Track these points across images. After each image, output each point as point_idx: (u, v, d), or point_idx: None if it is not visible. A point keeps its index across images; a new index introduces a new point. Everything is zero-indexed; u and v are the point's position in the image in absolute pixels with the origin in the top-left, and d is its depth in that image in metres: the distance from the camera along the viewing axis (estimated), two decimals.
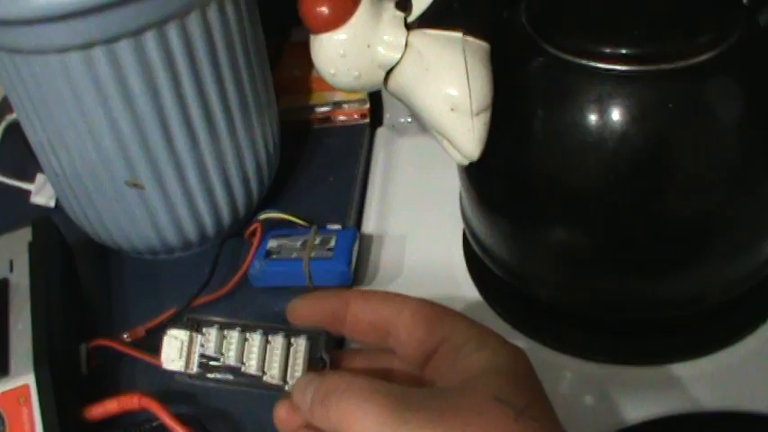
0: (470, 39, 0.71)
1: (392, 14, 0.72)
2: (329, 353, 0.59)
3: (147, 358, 0.74)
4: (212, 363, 0.60)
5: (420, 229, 0.93)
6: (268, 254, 0.86)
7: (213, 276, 0.87)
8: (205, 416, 0.75)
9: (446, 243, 0.90)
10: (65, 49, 0.74)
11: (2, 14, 0.72)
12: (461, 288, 0.85)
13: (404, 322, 0.56)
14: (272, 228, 0.90)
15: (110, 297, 0.91)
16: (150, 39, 0.75)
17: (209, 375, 0.60)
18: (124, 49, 0.75)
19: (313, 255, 0.84)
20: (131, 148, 0.81)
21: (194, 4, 0.77)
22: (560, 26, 0.71)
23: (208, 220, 0.89)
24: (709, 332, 0.77)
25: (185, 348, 0.61)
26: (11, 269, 0.81)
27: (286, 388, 0.59)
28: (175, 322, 0.76)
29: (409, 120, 1.08)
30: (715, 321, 0.78)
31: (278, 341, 0.59)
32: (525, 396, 0.50)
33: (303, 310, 0.61)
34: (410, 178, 1.00)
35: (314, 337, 0.59)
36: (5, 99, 1.22)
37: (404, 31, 0.71)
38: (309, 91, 1.08)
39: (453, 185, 0.87)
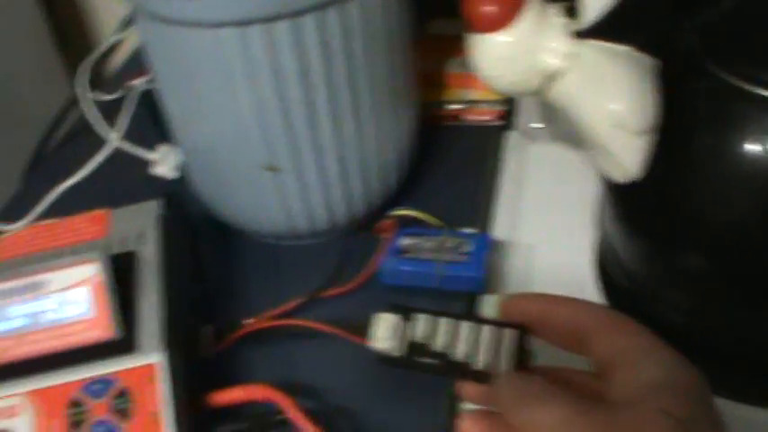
0: (640, 54, 0.69)
1: (559, 22, 0.70)
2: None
3: (349, 336, 0.69)
4: (420, 347, 0.63)
5: (550, 239, 0.90)
6: (400, 252, 0.84)
7: (342, 269, 0.85)
8: (329, 412, 0.74)
9: (576, 255, 0.88)
10: (221, 25, 0.73)
11: None
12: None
13: (592, 330, 0.58)
14: (405, 225, 0.88)
15: (230, 280, 0.89)
16: (308, 22, 0.74)
17: (417, 358, 0.63)
18: (281, 29, 0.73)
19: (446, 258, 0.82)
20: (274, 129, 0.79)
21: None
22: (731, 50, 0.68)
23: (341, 210, 0.88)
24: None
25: (395, 330, 0.63)
26: (139, 242, 0.79)
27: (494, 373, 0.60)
28: (299, 312, 0.76)
29: (540, 126, 1.05)
30: None
31: (486, 331, 0.62)
32: (691, 411, 0.51)
33: (511, 307, 0.63)
34: (541, 186, 0.98)
35: (522, 330, 0.62)
36: (126, 68, 1.22)
37: (570, 39, 0.69)
38: (443, 87, 1.06)
39: (584, 198, 0.87)
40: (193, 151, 0.86)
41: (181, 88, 0.81)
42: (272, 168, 0.81)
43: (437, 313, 0.64)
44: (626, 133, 0.68)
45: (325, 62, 0.77)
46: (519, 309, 0.62)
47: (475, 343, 0.62)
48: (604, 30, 0.69)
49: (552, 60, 0.70)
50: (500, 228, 0.92)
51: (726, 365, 0.74)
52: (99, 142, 1.04)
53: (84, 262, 0.73)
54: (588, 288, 0.84)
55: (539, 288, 0.82)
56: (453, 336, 0.62)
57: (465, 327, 0.62)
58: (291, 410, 0.69)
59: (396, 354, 0.63)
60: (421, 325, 0.63)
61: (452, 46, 1.09)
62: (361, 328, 0.65)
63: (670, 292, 0.75)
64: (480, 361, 0.61)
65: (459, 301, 0.83)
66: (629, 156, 0.69)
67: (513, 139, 1.04)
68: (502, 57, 0.71)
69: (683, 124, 0.69)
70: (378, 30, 0.79)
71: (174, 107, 0.84)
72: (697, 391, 0.53)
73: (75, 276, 0.73)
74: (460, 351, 0.62)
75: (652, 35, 0.70)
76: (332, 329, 0.74)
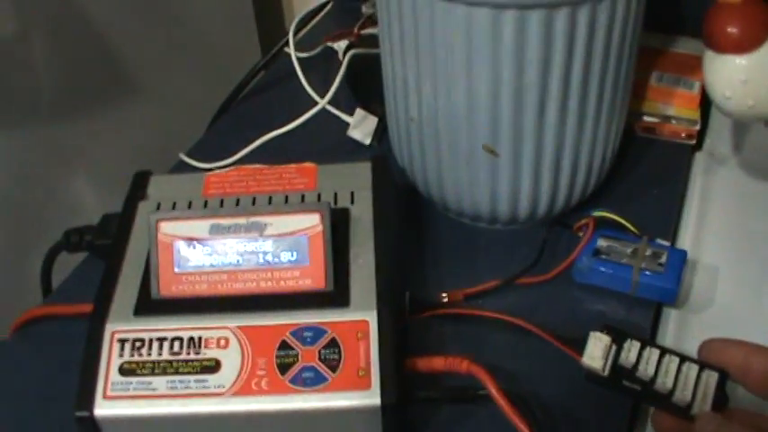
0: None
1: None
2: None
3: (564, 348, 0.73)
4: (626, 371, 0.66)
5: (733, 263, 0.91)
6: (596, 252, 0.85)
7: (540, 259, 0.87)
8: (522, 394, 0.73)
9: (759, 282, 0.88)
10: (475, 4, 0.74)
11: None
12: None
13: None
14: (602, 227, 0.89)
15: (424, 253, 0.91)
16: (561, 15, 0.75)
17: (621, 381, 0.66)
18: (534, 18, 0.74)
19: (644, 266, 0.83)
20: (503, 111, 0.80)
21: None
22: None
23: (543, 201, 0.89)
24: None
25: (606, 352, 0.67)
26: (352, 201, 0.81)
27: (691, 413, 0.63)
28: (491, 295, 0.79)
29: (729, 150, 1.06)
30: None
31: (692, 369, 0.64)
32: None
33: (713, 350, 0.65)
34: (726, 210, 0.98)
35: (723, 373, 0.64)
36: (320, 28, 1.24)
37: None
38: (642, 98, 1.06)
39: None
40: (411, 121, 0.87)
41: (414, 57, 0.82)
42: (491, 151, 0.82)
43: (647, 342, 0.66)
44: None
45: (566, 57, 0.78)
46: (718, 353, 0.64)
47: (678, 378, 0.64)
48: None
49: None
50: (685, 244, 0.93)
51: None
52: (298, 99, 1.06)
53: (306, 211, 0.75)
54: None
55: (720, 314, 0.84)
56: (659, 367, 0.65)
57: (672, 360, 0.65)
58: (492, 387, 0.70)
59: (603, 374, 0.66)
60: (631, 350, 0.66)
61: (655, 58, 1.10)
62: (573, 341, 0.69)
63: None
64: (681, 396, 0.63)
65: (647, 310, 0.84)
66: None
67: (700, 160, 1.05)
68: (740, 80, 0.72)
69: None
70: (618, 33, 0.80)
71: (400, 75, 0.85)
72: None
73: (297, 224, 0.75)
74: (664, 383, 0.64)
75: None
76: (546, 336, 0.76)
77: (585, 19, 0.76)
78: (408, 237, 0.93)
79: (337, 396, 0.68)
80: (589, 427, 0.75)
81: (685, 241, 0.93)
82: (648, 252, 0.84)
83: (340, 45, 1.14)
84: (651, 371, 0.65)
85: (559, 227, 0.91)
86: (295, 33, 1.14)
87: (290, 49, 1.10)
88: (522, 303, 0.83)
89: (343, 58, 1.08)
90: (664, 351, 0.66)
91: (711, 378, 0.64)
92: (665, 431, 0.65)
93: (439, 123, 0.84)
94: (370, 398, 0.68)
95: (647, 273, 0.83)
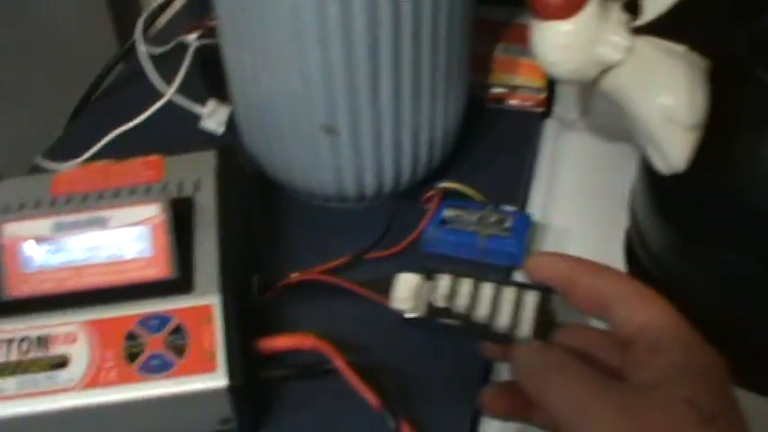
0: (693, 55, 0.72)
1: (619, 16, 0.73)
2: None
3: (372, 295, 0.73)
4: (441, 308, 0.64)
5: (582, 225, 0.93)
6: (443, 222, 0.87)
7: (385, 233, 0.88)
8: (367, 366, 0.74)
9: (607, 243, 0.90)
10: None
11: None
12: None
13: (615, 299, 0.58)
14: (448, 197, 0.91)
15: (275, 235, 0.92)
16: None
17: (437, 319, 0.64)
18: None
19: (489, 231, 0.85)
20: (338, 91, 0.81)
21: None
22: None
23: (388, 177, 0.90)
24: None
25: (415, 291, 0.65)
26: (196, 189, 0.82)
27: (514, 336, 0.61)
28: (342, 272, 0.79)
29: (577, 116, 1.08)
30: None
31: (509, 293, 0.63)
32: (716, 402, 0.51)
33: (537, 265, 0.63)
34: (575, 174, 1.00)
35: (544, 292, 0.62)
36: (175, 23, 1.24)
37: (630, 34, 0.72)
38: (489, 70, 1.08)
39: (618, 187, 0.89)
40: (251, 107, 0.88)
41: (249, 43, 0.83)
42: (330, 130, 0.84)
43: (459, 274, 0.65)
44: (675, 127, 0.70)
45: (394, 32, 0.79)
46: (545, 268, 0.63)
47: (496, 305, 0.63)
48: (662, 28, 0.72)
49: (611, 53, 0.72)
50: (535, 209, 0.95)
51: (752, 357, 0.76)
52: (151, 93, 1.06)
53: (146, 202, 0.76)
54: None
55: None
56: (475, 297, 0.64)
57: (487, 288, 0.64)
58: (338, 361, 0.71)
59: (415, 314, 0.65)
60: (443, 286, 0.65)
61: (500, 31, 1.12)
62: (388, 288, 0.67)
63: (695, 282, 0.77)
64: (501, 323, 0.62)
65: (497, 275, 0.84)
66: (676, 149, 0.71)
67: (550, 127, 1.07)
68: (563, 45, 0.73)
69: (728, 124, 0.72)
70: (446, 5, 0.82)
71: (238, 62, 0.86)
72: (718, 377, 0.53)
73: (137, 215, 0.75)
74: (481, 313, 0.63)
75: (706, 38, 0.73)
76: (359, 289, 0.77)
77: None
78: (261, 221, 0.94)
79: (185, 380, 0.69)
80: (442, 390, 0.76)
81: (536, 206, 0.96)
82: (494, 218, 0.87)
83: (192, 38, 1.14)
84: (466, 302, 0.64)
85: (408, 200, 0.92)
86: (148, 27, 1.14)
87: (139, 44, 1.10)
88: (373, 277, 0.84)
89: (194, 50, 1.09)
90: (480, 279, 0.65)
91: (531, 298, 0.63)
92: (497, 359, 0.66)
93: (278, 107, 0.85)
94: (217, 380, 0.69)
95: (493, 238, 0.85)
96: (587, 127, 1.07)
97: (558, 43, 0.73)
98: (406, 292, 0.66)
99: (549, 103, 1.09)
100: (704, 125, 0.71)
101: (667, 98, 0.70)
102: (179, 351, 0.70)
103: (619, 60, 0.72)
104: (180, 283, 0.74)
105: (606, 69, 0.73)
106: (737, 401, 0.53)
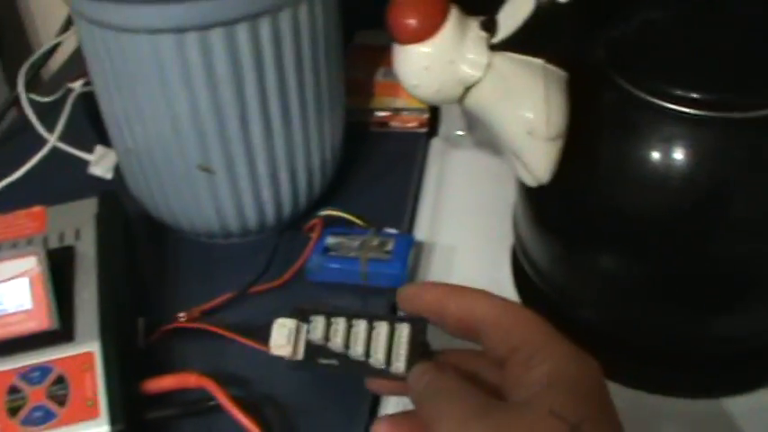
0: (551, 67, 0.73)
1: (477, 34, 0.74)
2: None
3: (252, 344, 0.77)
4: (319, 349, 0.64)
5: (469, 241, 0.95)
6: (326, 250, 0.88)
7: (270, 266, 0.89)
8: (256, 400, 0.77)
9: (494, 257, 0.92)
10: (157, 31, 0.77)
11: None
12: None
13: (487, 322, 0.59)
14: (331, 225, 0.92)
15: (163, 276, 0.93)
16: (242, 30, 0.77)
17: (316, 360, 0.64)
18: (216, 37, 0.77)
19: (370, 255, 0.86)
20: (208, 131, 0.83)
21: (287, 2, 0.79)
22: (636, 64, 0.73)
23: (269, 210, 0.91)
24: (746, 371, 0.80)
25: (293, 336, 0.65)
26: (77, 237, 0.83)
27: (390, 370, 0.62)
28: (229, 307, 0.79)
29: (463, 133, 1.10)
30: (754, 361, 0.80)
31: (382, 327, 0.63)
32: (582, 410, 0.51)
33: (407, 297, 0.64)
34: (462, 191, 1.02)
35: (416, 324, 0.63)
36: (66, 69, 1.24)
37: (488, 51, 0.73)
38: (370, 94, 1.10)
39: (503, 202, 0.91)
40: (128, 152, 0.88)
41: (118, 91, 0.83)
42: (206, 169, 0.85)
43: (333, 314, 0.65)
44: (536, 140, 0.71)
45: (257, 69, 0.81)
46: (414, 299, 0.63)
47: (371, 340, 0.64)
48: (518, 43, 0.73)
49: (470, 71, 0.73)
50: (422, 230, 0.97)
51: (631, 357, 0.78)
52: (38, 143, 1.07)
53: (23, 255, 0.76)
54: (506, 288, 0.88)
55: None
56: (350, 335, 0.64)
57: (360, 325, 0.64)
58: (221, 397, 0.72)
59: (295, 358, 0.65)
60: (319, 327, 0.65)
61: (380, 55, 1.13)
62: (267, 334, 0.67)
63: (577, 290, 0.79)
64: (377, 358, 0.63)
65: (382, 297, 0.86)
66: (538, 161, 0.72)
67: (436, 146, 1.09)
68: (424, 67, 0.74)
69: (590, 132, 0.74)
70: (307, 39, 0.83)
71: (111, 109, 0.87)
72: (590, 385, 0.54)
73: (15, 269, 0.76)
74: (358, 350, 0.63)
75: (563, 48, 0.74)
76: (239, 338, 0.79)
77: (268, 31, 0.79)
78: (148, 262, 0.94)
79: (68, 429, 0.70)
80: (329, 421, 0.77)
81: (423, 225, 0.97)
82: (375, 242, 0.88)
83: (78, 85, 1.14)
84: (341, 341, 0.64)
85: (293, 231, 0.93)
86: (34, 75, 1.14)
87: (21, 92, 1.10)
88: (261, 311, 0.85)
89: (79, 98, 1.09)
90: (350, 317, 0.65)
91: (404, 330, 0.63)
92: (387, 393, 0.66)
93: (153, 150, 0.86)
94: (100, 426, 0.70)
95: (374, 261, 0.86)
96: (474, 143, 1.08)
97: (418, 66, 0.74)
98: (283, 338, 0.65)
99: (433, 122, 1.10)
100: (565, 136, 0.72)
101: (527, 111, 0.71)
102: (61, 401, 0.70)
103: (479, 78, 0.73)
104: (60, 333, 0.74)
105: (469, 87, 0.74)
106: (611, 405, 0.54)
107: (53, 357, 0.73)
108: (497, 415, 0.53)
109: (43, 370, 0.72)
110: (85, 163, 1.07)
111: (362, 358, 0.63)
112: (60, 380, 0.71)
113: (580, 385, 0.53)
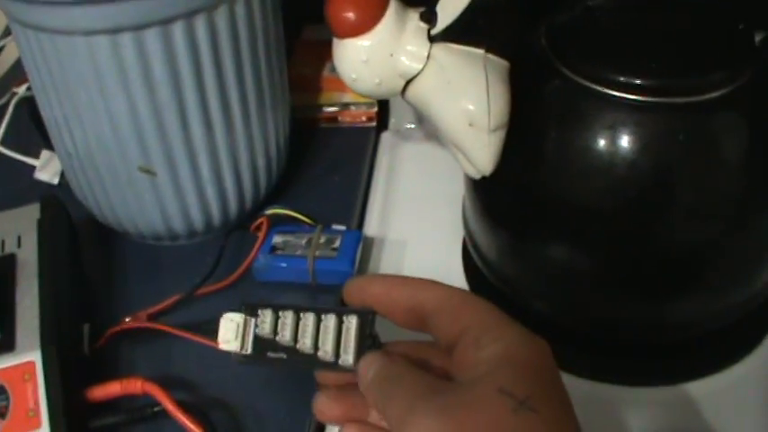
0: (492, 56, 0.72)
1: (417, 26, 0.73)
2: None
3: (200, 339, 0.77)
4: (267, 343, 0.63)
5: (420, 235, 0.94)
6: (273, 249, 0.87)
7: (217, 267, 0.88)
8: (205, 403, 0.76)
9: (445, 250, 0.92)
10: (92, 32, 0.75)
11: None
12: None
13: (434, 309, 0.58)
14: (278, 223, 0.91)
15: (111, 279, 0.92)
16: (178, 29, 0.77)
17: (265, 355, 0.63)
18: (151, 36, 0.76)
19: (318, 254, 0.86)
20: (148, 133, 0.82)
21: None
22: (579, 51, 0.73)
23: (215, 211, 0.90)
24: (701, 356, 0.79)
25: (240, 330, 0.64)
26: (18, 245, 0.82)
27: (339, 363, 0.61)
28: (177, 309, 0.78)
29: (413, 126, 1.09)
30: (708, 346, 0.80)
31: (330, 320, 0.62)
32: (530, 387, 0.51)
33: (354, 290, 0.63)
34: (413, 184, 1.02)
35: (364, 316, 0.62)
36: (12, 74, 1.23)
37: (427, 42, 0.73)
38: (318, 90, 1.09)
39: (455, 194, 0.90)
40: (70, 156, 0.87)
41: (56, 95, 0.82)
42: (148, 171, 0.84)
43: (281, 307, 0.64)
44: (478, 131, 0.71)
45: (195, 68, 0.80)
46: (361, 292, 0.63)
47: (319, 333, 0.63)
48: (458, 33, 0.72)
49: (410, 63, 0.73)
50: (372, 225, 0.96)
51: (584, 347, 0.78)
52: None
53: None
54: (457, 281, 0.88)
55: None
56: (298, 328, 0.63)
57: (309, 318, 0.63)
58: (166, 402, 0.71)
59: (243, 353, 0.64)
60: (267, 321, 0.64)
61: (328, 50, 1.11)
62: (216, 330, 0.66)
63: (527, 282, 0.79)
64: (326, 350, 0.62)
65: (331, 295, 0.86)
66: (480, 153, 0.72)
67: (386, 140, 1.08)
68: (363, 60, 0.74)
69: (534, 122, 0.73)
70: (246, 37, 0.83)
71: (50, 113, 0.86)
72: (539, 365, 0.54)
73: None
74: (307, 343, 0.62)
75: (504, 38, 0.74)
76: (187, 334, 0.79)
77: (204, 29, 0.78)
78: (95, 266, 0.93)
79: None
80: (277, 421, 0.76)
81: (373, 220, 0.96)
82: (323, 239, 0.87)
83: (22, 89, 1.13)
84: (289, 335, 0.63)
85: (240, 231, 0.93)
86: None
87: None
88: (209, 312, 0.83)
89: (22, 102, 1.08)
90: (298, 310, 0.64)
91: (353, 322, 0.62)
92: (320, 411, 0.64)
93: (93, 154, 0.85)
94: None
95: (322, 260, 0.85)
96: (424, 136, 1.08)
97: (357, 59, 0.74)
98: (231, 333, 0.64)
99: (382, 116, 1.09)
100: (507, 126, 0.72)
101: (467, 102, 0.71)
102: (1, 413, 0.69)
103: (419, 69, 0.73)
104: (2, 342, 0.73)
105: (410, 80, 0.74)
106: (560, 385, 0.54)
107: None
108: (446, 394, 0.52)
109: None
110: (32, 168, 1.06)
111: (311, 351, 0.62)
112: (1, 391, 0.70)
113: (529, 364, 0.53)
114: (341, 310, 0.63)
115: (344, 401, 0.63)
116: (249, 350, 0.64)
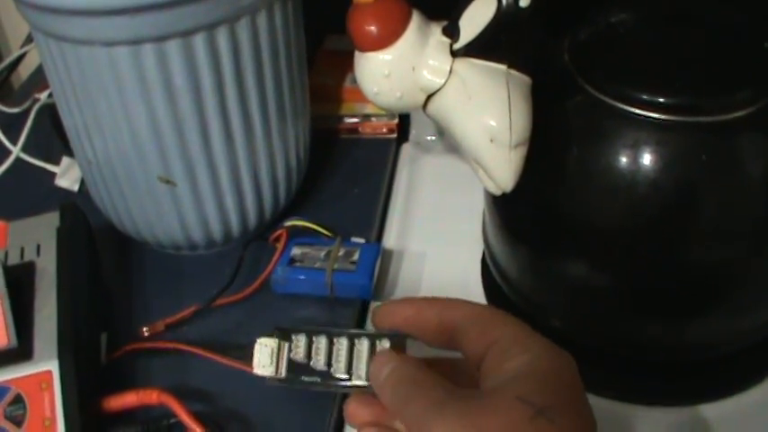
0: (514, 72, 0.72)
1: (439, 40, 0.73)
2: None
3: (233, 363, 0.76)
4: (302, 367, 0.65)
5: (440, 247, 0.94)
6: (291, 261, 0.87)
7: (235, 278, 0.88)
8: (220, 415, 0.76)
9: (464, 264, 0.91)
10: (113, 43, 0.75)
11: (53, 4, 0.74)
12: None
13: (464, 325, 0.59)
14: (297, 235, 0.91)
15: (129, 288, 0.92)
16: (199, 40, 0.76)
17: (299, 378, 0.65)
18: (173, 48, 0.76)
19: (336, 266, 0.85)
20: (168, 143, 0.82)
21: (245, 10, 0.78)
22: (603, 69, 0.72)
23: (234, 221, 0.90)
24: (719, 377, 0.79)
25: (275, 355, 0.65)
26: (38, 253, 0.81)
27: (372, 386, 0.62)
28: (194, 320, 0.78)
29: (434, 138, 1.09)
30: (727, 367, 0.79)
31: (363, 344, 0.63)
32: (549, 398, 0.52)
33: (384, 314, 0.64)
34: (432, 197, 1.01)
35: (395, 339, 0.63)
36: (34, 80, 1.23)
37: (449, 57, 0.72)
38: (339, 100, 1.09)
39: (475, 207, 0.89)
40: (91, 164, 0.87)
41: (77, 103, 0.82)
42: (168, 181, 0.84)
43: (316, 332, 0.65)
44: (499, 147, 0.70)
45: (216, 79, 0.79)
46: (392, 315, 0.64)
47: (353, 357, 0.64)
48: (480, 48, 0.72)
49: (432, 77, 0.72)
50: (392, 237, 0.96)
51: (602, 366, 0.77)
52: (1, 154, 1.06)
53: None
54: (476, 295, 0.88)
55: (428, 294, 0.86)
56: (332, 353, 0.64)
57: (342, 343, 0.64)
58: (182, 413, 0.71)
59: (278, 377, 0.65)
60: (301, 346, 0.65)
61: (349, 61, 1.11)
62: (247, 352, 0.67)
63: (546, 299, 0.79)
64: (359, 375, 0.63)
65: (349, 308, 0.86)
66: (501, 169, 0.71)
67: (406, 152, 1.08)
68: (385, 74, 0.73)
69: (556, 139, 0.73)
70: (267, 48, 0.82)
71: (71, 121, 0.86)
72: (563, 378, 0.54)
73: None
74: (340, 367, 0.64)
75: (526, 54, 0.73)
76: (217, 357, 0.78)
77: (226, 41, 0.78)
78: (113, 275, 0.93)
79: None
80: (293, 430, 0.77)
81: (393, 233, 0.96)
82: (342, 252, 0.87)
83: (43, 96, 1.13)
84: (323, 359, 0.64)
85: (259, 242, 0.92)
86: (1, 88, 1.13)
87: None
88: (226, 323, 0.84)
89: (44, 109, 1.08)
90: (331, 335, 0.65)
91: (384, 347, 0.63)
92: (350, 415, 0.65)
93: (113, 162, 0.85)
94: None
95: (340, 272, 0.85)
96: (445, 148, 1.08)
97: (379, 73, 0.73)
98: (266, 358, 0.65)
99: (403, 128, 1.09)
100: (528, 143, 0.72)
101: (489, 118, 0.70)
102: (17, 422, 0.69)
103: (441, 84, 0.72)
104: (18, 351, 0.73)
105: (431, 94, 0.73)
106: (583, 400, 0.54)
107: (10, 377, 0.72)
108: (466, 399, 0.53)
109: (0, 390, 0.71)
110: (52, 175, 1.06)
111: (345, 375, 0.64)
112: (18, 399, 0.70)
113: (552, 376, 0.54)
114: (373, 333, 0.64)
115: (375, 406, 0.63)
116: (283, 374, 0.65)
